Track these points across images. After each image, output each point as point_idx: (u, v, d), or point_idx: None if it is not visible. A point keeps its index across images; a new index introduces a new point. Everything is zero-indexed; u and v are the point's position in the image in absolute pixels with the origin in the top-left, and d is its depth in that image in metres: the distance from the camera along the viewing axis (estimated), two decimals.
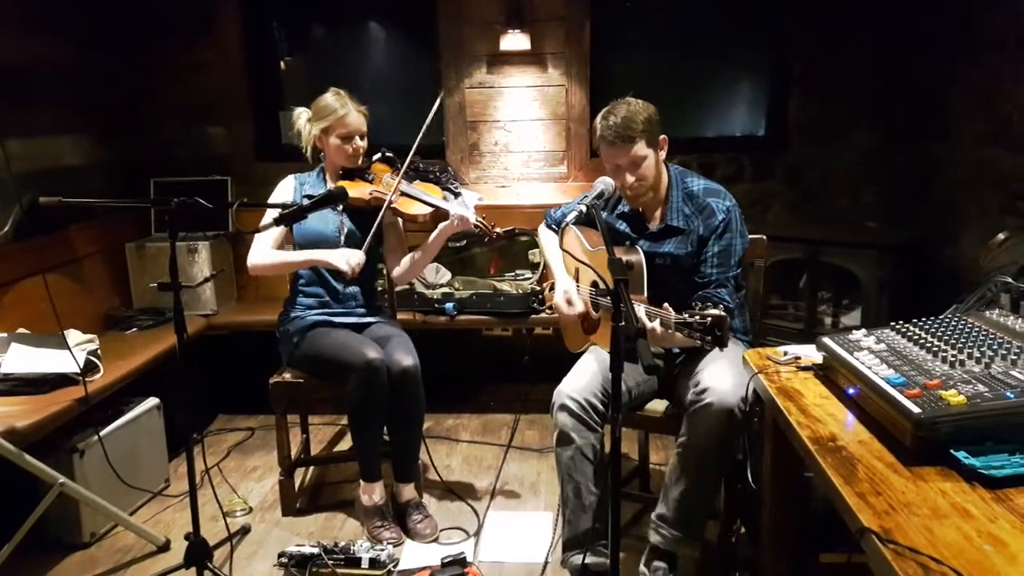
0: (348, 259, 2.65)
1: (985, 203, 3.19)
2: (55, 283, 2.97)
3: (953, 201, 3.46)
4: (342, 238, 2.78)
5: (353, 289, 2.82)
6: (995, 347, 1.47)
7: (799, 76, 3.92)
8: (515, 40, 3.84)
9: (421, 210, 2.80)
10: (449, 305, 3.51)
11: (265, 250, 2.75)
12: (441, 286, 3.68)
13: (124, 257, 3.68)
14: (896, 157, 3.86)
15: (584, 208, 2.03)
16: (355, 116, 2.75)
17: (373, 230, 2.71)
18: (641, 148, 2.27)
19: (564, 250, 2.39)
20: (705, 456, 2.17)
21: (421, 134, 2.79)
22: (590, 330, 2.49)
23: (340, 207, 2.70)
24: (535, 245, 3.69)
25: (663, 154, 2.36)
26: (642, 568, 2.32)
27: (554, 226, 2.66)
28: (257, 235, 2.73)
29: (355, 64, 4.24)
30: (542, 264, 3.70)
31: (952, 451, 1.25)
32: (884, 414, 1.40)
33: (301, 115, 2.82)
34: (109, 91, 3.89)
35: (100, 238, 3.60)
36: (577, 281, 2.51)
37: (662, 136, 2.33)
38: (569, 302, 2.42)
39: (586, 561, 2.25)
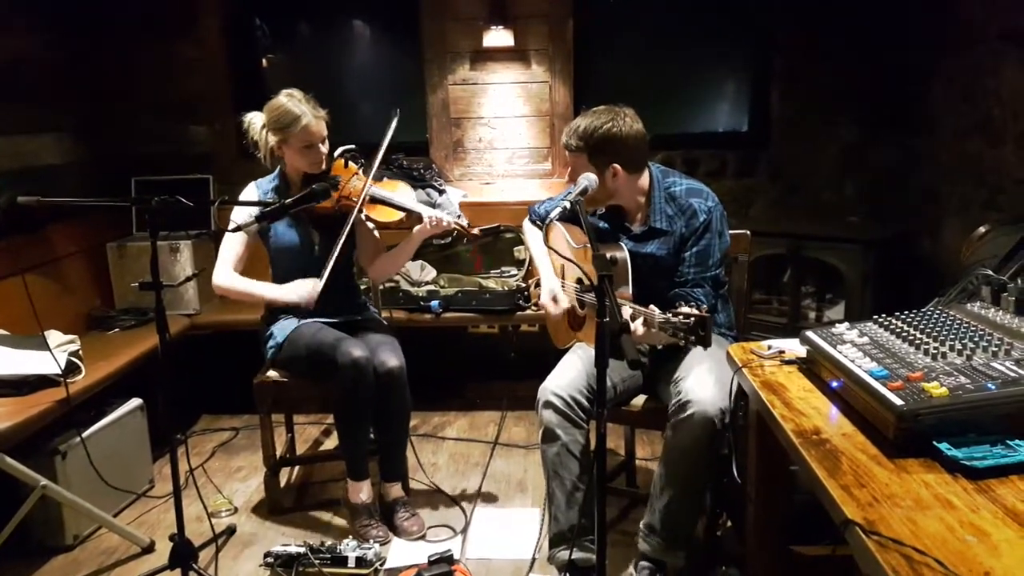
0: (300, 293, 2.63)
1: (966, 197, 3.21)
2: (35, 283, 2.93)
3: (935, 195, 3.49)
4: (316, 247, 2.73)
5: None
6: (976, 339, 1.48)
7: (781, 72, 3.94)
8: (498, 36, 3.83)
9: (394, 216, 2.72)
10: (435, 303, 3.50)
11: (230, 271, 2.68)
12: (426, 284, 3.66)
13: (105, 257, 3.63)
14: (878, 152, 3.89)
15: (568, 204, 2.03)
16: (315, 123, 2.60)
17: (342, 239, 2.60)
18: (578, 161, 2.26)
19: (549, 247, 2.38)
20: (689, 467, 2.17)
21: (383, 149, 2.69)
22: (576, 327, 2.49)
23: (305, 217, 2.65)
24: (520, 242, 3.68)
25: (617, 181, 2.28)
26: (630, 570, 2.33)
27: (539, 222, 2.65)
28: (222, 249, 2.69)
29: (338, 61, 4.21)
30: (527, 261, 3.69)
31: (935, 443, 1.26)
32: (867, 407, 1.41)
33: (254, 122, 2.67)
34: (89, 88, 3.85)
35: (80, 237, 3.56)
36: (562, 278, 2.51)
37: (613, 164, 2.25)
38: (555, 300, 2.42)
39: (573, 557, 2.25)
